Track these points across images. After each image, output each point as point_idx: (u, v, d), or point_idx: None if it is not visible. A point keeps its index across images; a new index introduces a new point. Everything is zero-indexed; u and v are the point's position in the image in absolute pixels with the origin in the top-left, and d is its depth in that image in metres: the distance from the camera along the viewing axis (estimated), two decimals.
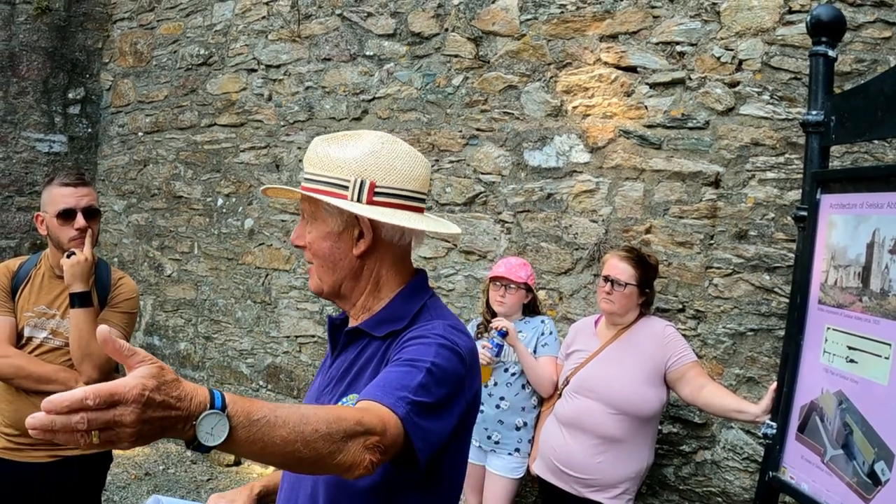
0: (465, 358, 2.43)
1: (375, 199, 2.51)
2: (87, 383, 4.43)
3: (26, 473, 4.59)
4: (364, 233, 2.56)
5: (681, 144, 5.73)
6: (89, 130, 11.05)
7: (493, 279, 5.73)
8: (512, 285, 5.63)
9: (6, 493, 4.62)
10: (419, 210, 2.62)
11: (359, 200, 2.50)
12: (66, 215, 4.52)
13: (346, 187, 2.50)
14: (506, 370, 5.62)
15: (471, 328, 5.84)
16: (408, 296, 2.65)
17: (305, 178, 2.56)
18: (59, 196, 4.56)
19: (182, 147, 9.78)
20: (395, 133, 7.22)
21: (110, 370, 4.62)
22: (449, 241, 7.03)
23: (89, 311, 4.48)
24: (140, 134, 10.41)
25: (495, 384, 5.63)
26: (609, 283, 5.07)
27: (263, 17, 8.75)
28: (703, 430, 5.67)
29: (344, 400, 2.51)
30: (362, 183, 2.51)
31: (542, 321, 5.77)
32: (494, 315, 5.71)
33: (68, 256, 4.47)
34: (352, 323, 2.70)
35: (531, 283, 5.68)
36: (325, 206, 2.56)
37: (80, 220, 4.52)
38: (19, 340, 4.59)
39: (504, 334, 5.44)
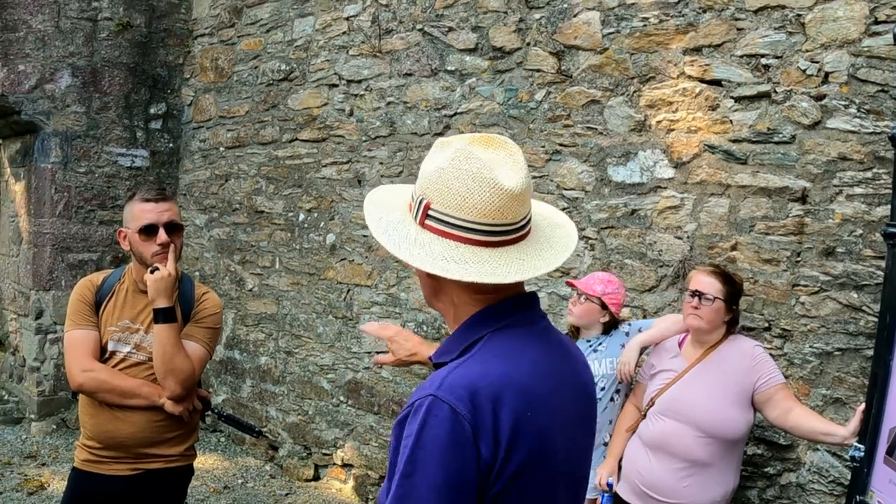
0: (464, 416, 2.12)
1: (427, 222, 2.32)
2: (170, 398, 4.59)
3: (108, 486, 4.67)
4: None
5: (766, 159, 5.70)
6: (171, 145, 11.30)
7: (569, 285, 5.81)
8: (583, 296, 5.66)
9: None
10: (484, 244, 2.28)
11: (416, 220, 2.34)
12: (149, 231, 4.59)
13: (413, 203, 2.38)
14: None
15: None
16: (471, 326, 2.40)
17: None
18: (140, 212, 4.62)
19: (263, 162, 9.93)
20: None
21: (193, 385, 4.74)
22: None
23: (173, 327, 4.55)
24: (221, 149, 10.61)
25: None
26: (696, 298, 5.03)
27: (344, 33, 8.86)
28: (788, 452, 5.63)
29: None
30: (421, 201, 2.33)
31: (626, 326, 5.81)
32: (578, 330, 5.75)
33: (152, 272, 4.53)
34: None
35: (606, 300, 5.64)
36: None
37: (161, 236, 4.59)
38: (103, 354, 4.68)
39: (611, 485, 5.42)
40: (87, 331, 4.66)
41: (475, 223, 2.26)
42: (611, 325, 5.75)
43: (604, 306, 5.66)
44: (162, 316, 4.51)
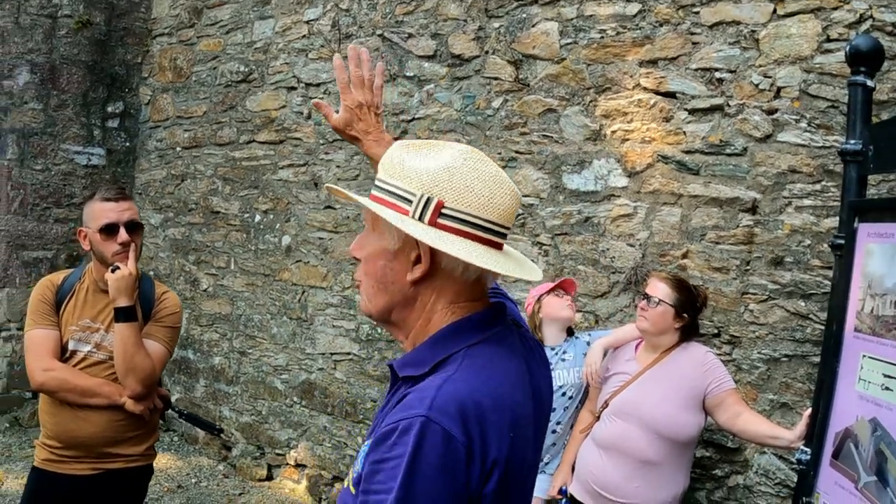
0: (459, 440, 2.00)
1: (440, 221, 2.19)
2: (131, 397, 4.56)
3: (69, 485, 4.65)
4: (422, 257, 2.24)
5: (718, 170, 5.82)
6: (127, 144, 11.25)
7: (556, 288, 5.88)
8: (570, 299, 5.84)
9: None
10: (495, 245, 2.26)
11: (420, 219, 2.19)
12: (109, 230, 4.59)
13: (411, 202, 2.21)
14: (563, 394, 5.71)
15: None
16: (442, 338, 2.27)
17: (375, 185, 2.32)
18: (100, 211, 4.63)
19: (220, 163, 9.95)
20: None
21: (154, 383, 4.73)
22: None
23: (133, 326, 4.55)
24: (178, 149, 10.60)
25: (553, 410, 5.62)
26: (645, 300, 5.18)
27: (304, 36, 8.90)
28: (736, 455, 5.74)
29: (366, 444, 2.21)
30: (428, 200, 2.20)
31: (579, 337, 5.90)
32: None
33: (112, 271, 4.53)
34: None
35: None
36: (384, 220, 2.24)
37: (122, 235, 4.59)
38: (63, 354, 4.66)
39: (565, 492, 5.50)
40: (48, 330, 4.64)
41: (495, 224, 2.25)
42: (569, 332, 5.90)
43: None
44: (122, 315, 4.51)
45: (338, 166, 8.43)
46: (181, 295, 10.12)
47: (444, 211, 2.19)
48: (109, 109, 11.05)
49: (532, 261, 6.41)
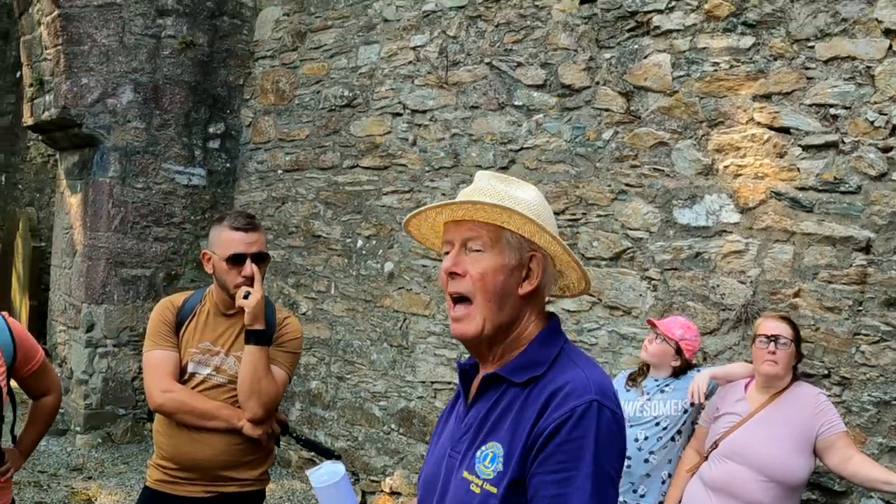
0: (620, 416, 2.52)
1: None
2: (250, 420, 4.63)
3: None
4: (531, 274, 2.63)
5: (832, 208, 5.88)
6: (228, 165, 11.65)
7: (650, 323, 6.04)
8: (660, 337, 5.87)
9: None
10: None
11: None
12: (236, 261, 4.64)
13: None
14: (657, 424, 5.79)
15: (618, 382, 6.04)
16: (545, 339, 2.64)
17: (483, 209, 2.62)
18: (229, 240, 4.67)
19: (322, 187, 10.22)
20: (543, 185, 7.50)
21: (275, 408, 4.83)
22: (594, 296, 7.23)
23: (265, 349, 4.64)
24: (279, 171, 10.92)
25: (646, 438, 5.75)
26: (772, 343, 5.20)
27: (410, 62, 9.15)
28: (842, 499, 5.78)
29: (483, 448, 2.54)
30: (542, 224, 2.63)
31: (694, 372, 5.89)
32: (648, 367, 6.02)
33: (245, 296, 4.59)
34: (485, 369, 2.72)
35: (683, 345, 5.87)
36: (509, 238, 2.61)
37: (248, 268, 4.65)
38: (182, 376, 4.75)
39: None
40: (168, 351, 4.75)
41: None
42: (680, 370, 5.92)
43: (678, 351, 5.86)
44: (254, 338, 4.60)
45: (443, 194, 8.59)
46: None
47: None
48: (211, 130, 11.46)
49: (640, 295, 6.60)
